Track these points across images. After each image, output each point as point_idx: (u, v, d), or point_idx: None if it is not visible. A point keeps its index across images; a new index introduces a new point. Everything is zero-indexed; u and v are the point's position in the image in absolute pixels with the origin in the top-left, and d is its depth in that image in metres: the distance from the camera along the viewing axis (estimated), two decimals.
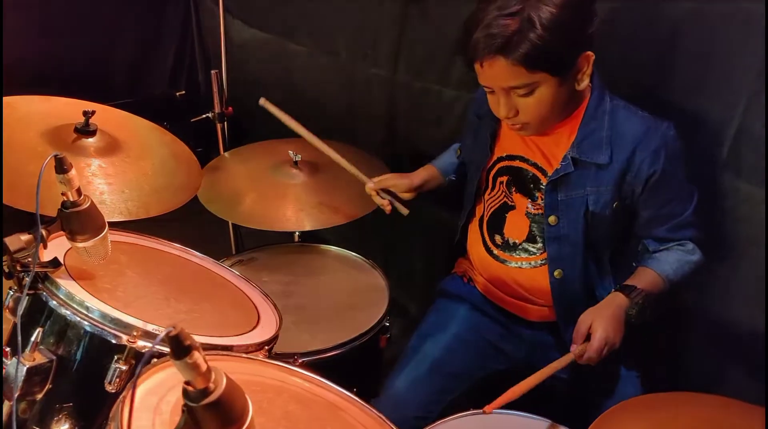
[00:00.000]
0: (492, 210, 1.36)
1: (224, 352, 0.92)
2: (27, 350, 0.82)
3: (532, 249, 1.32)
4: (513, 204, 1.33)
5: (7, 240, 0.81)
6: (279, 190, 1.68)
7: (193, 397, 0.56)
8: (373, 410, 0.94)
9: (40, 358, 0.83)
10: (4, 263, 0.82)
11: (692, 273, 1.28)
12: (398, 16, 1.87)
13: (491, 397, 1.11)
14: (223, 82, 2.04)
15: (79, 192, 0.86)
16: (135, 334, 0.85)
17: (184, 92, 3.18)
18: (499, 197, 1.35)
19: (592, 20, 1.13)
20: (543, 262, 1.31)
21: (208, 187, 1.71)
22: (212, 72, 1.99)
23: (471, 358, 1.37)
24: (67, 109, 1.38)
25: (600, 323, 1.17)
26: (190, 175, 1.47)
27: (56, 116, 1.35)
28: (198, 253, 1.24)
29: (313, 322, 1.48)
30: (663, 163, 1.17)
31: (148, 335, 0.86)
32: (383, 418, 0.92)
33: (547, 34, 1.04)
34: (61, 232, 0.87)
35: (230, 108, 2.10)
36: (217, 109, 2.05)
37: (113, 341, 0.84)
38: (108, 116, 1.44)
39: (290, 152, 1.77)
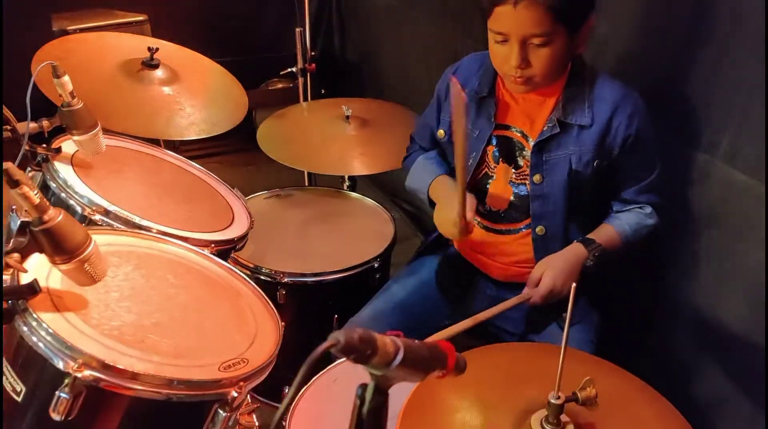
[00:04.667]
0: (474, 181, 1.38)
1: (173, 240, 1.13)
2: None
3: (513, 215, 1.35)
4: (493, 174, 1.35)
5: (19, 125, 1.09)
6: (328, 139, 1.88)
7: (33, 222, 0.76)
8: (271, 304, 1.08)
9: None
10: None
11: (648, 236, 1.34)
12: None
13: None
14: (306, 41, 2.24)
15: (72, 95, 1.11)
16: (95, 208, 1.09)
17: (313, 53, 3.53)
18: (480, 168, 1.36)
19: None
20: (525, 227, 1.34)
21: (268, 130, 1.96)
22: (296, 30, 2.21)
23: (433, 304, 1.44)
24: (141, 44, 1.68)
25: (550, 272, 1.26)
26: (236, 109, 1.72)
27: (131, 50, 1.66)
28: (199, 166, 1.46)
29: (314, 251, 1.64)
30: (636, 126, 1.24)
31: (106, 213, 1.10)
32: (277, 316, 1.06)
33: None
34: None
35: (313, 65, 2.32)
36: (299, 65, 2.28)
37: (80, 213, 1.09)
38: (173, 52, 1.73)
39: (343, 107, 1.95)
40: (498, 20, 1.15)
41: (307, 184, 2.24)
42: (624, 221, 1.32)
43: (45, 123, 1.11)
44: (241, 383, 0.86)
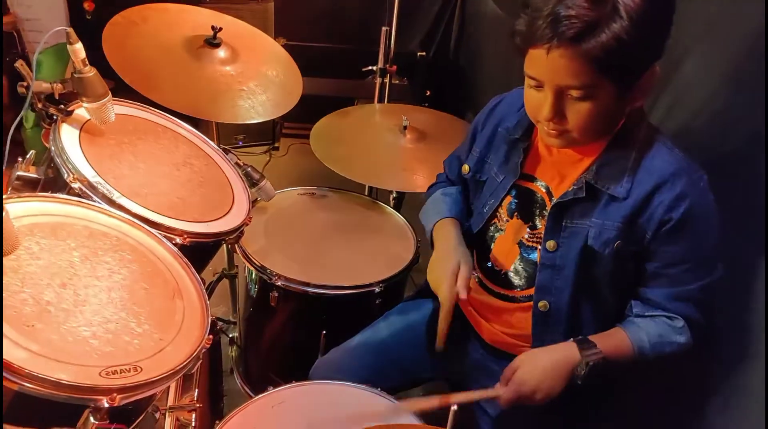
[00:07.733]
0: (480, 228, 1.23)
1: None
2: (23, 163, 1.16)
3: (515, 281, 1.19)
4: (503, 228, 1.20)
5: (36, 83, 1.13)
6: (379, 147, 1.84)
7: None
8: (209, 318, 1.02)
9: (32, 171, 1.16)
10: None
11: (671, 356, 1.08)
12: None
13: None
14: (391, 40, 2.16)
15: (84, 62, 1.13)
16: (77, 177, 1.11)
17: (424, 53, 3.45)
18: (491, 220, 1.22)
19: (670, 26, 0.95)
20: (526, 298, 1.18)
21: (324, 126, 1.93)
22: (383, 29, 2.14)
23: (414, 352, 1.33)
24: (214, 20, 1.68)
25: (525, 370, 1.07)
26: (288, 97, 1.69)
27: (203, 26, 1.67)
28: (217, 147, 1.44)
29: (321, 260, 1.58)
30: (683, 212, 1.00)
31: (88, 184, 1.11)
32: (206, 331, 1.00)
33: (632, 28, 0.87)
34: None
35: (394, 66, 2.23)
36: (380, 64, 2.20)
37: (64, 178, 1.11)
38: (240, 32, 1.73)
39: (403, 117, 1.86)
40: (532, 64, 0.98)
41: (367, 193, 2.15)
42: (644, 330, 1.08)
43: (57, 86, 1.15)
44: (115, 394, 0.82)
